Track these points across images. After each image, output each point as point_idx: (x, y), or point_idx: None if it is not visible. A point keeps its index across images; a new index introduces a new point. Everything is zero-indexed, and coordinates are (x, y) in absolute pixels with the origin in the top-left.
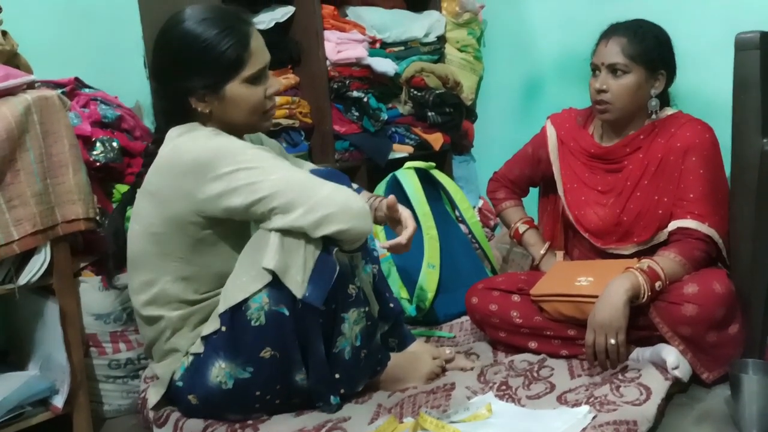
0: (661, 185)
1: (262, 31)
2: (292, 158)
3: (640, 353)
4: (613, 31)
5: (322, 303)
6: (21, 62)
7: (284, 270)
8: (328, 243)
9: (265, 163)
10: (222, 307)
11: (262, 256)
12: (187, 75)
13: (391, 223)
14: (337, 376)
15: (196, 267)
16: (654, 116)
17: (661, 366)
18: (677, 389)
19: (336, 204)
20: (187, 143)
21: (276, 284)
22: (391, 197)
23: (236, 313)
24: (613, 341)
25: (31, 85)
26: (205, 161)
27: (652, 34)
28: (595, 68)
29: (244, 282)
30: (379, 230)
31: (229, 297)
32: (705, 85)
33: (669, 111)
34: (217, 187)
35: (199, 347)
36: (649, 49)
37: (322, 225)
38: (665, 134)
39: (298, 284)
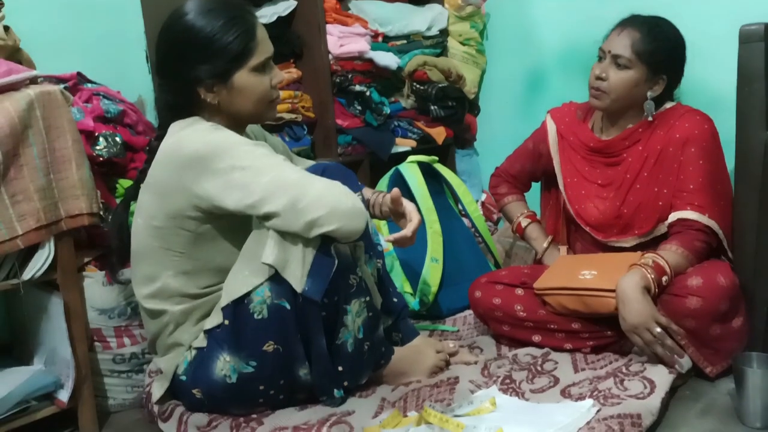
0: (661, 177)
1: (264, 25)
2: (295, 156)
3: None
4: (631, 22)
5: (321, 297)
6: (23, 57)
7: (283, 265)
8: (326, 237)
9: (259, 161)
10: (224, 301)
11: (262, 251)
12: (194, 65)
13: (395, 216)
14: (340, 368)
15: (197, 261)
16: (649, 118)
17: None
18: (681, 382)
19: (325, 206)
20: (189, 136)
21: (277, 278)
22: (395, 190)
23: (239, 306)
24: (658, 329)
25: (33, 81)
26: (203, 155)
27: (667, 37)
28: (601, 53)
29: (246, 276)
30: (383, 225)
31: (231, 290)
32: (709, 77)
33: (668, 104)
34: (212, 183)
35: (202, 341)
36: (658, 50)
37: (314, 227)
38: (664, 126)
39: (297, 278)
